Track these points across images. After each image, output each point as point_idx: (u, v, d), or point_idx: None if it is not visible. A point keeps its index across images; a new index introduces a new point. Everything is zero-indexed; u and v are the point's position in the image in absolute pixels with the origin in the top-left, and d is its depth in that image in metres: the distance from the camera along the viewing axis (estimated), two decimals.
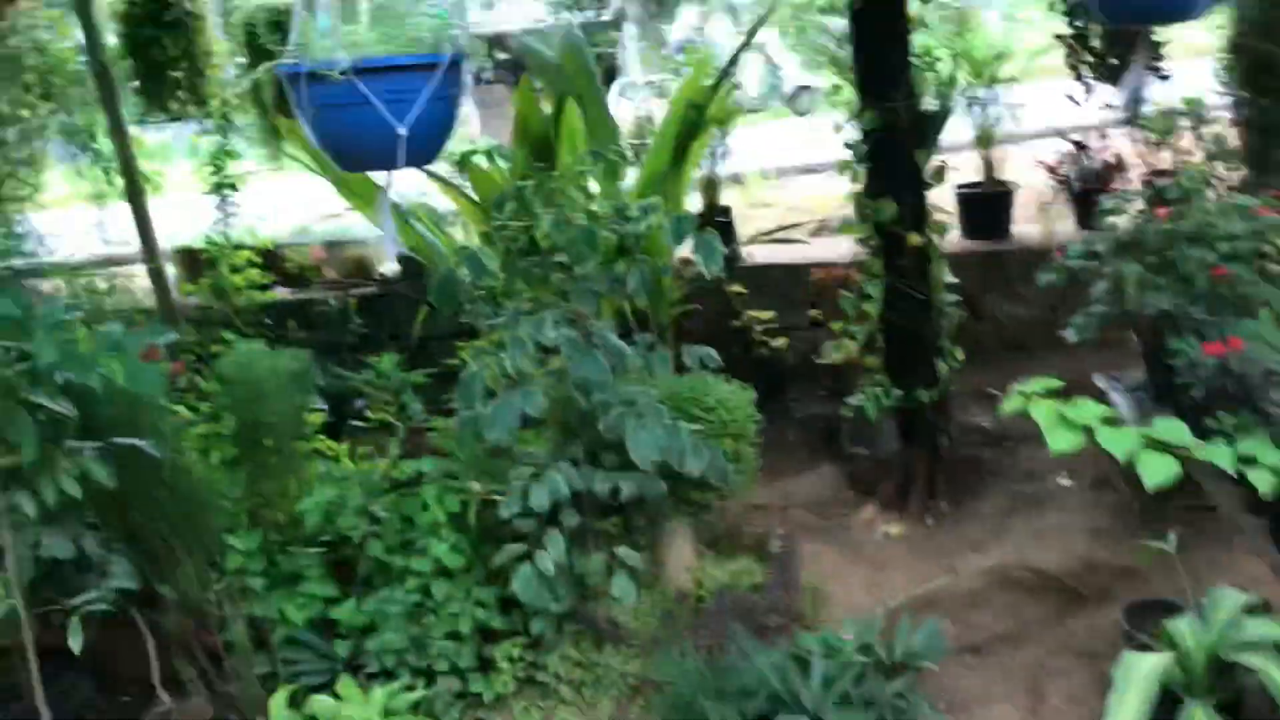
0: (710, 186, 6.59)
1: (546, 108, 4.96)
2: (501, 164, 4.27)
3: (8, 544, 3.02)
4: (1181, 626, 3.29)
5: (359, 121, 2.26)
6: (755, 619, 4.16)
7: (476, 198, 4.75)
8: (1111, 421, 2.03)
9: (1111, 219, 5.03)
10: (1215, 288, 4.53)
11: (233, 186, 6.33)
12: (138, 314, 6.12)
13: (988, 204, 6.71)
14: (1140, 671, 3.02)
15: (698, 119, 4.95)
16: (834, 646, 3.63)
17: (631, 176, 5.30)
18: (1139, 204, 5.00)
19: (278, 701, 3.57)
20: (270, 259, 6.90)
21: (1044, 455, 5.43)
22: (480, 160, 4.28)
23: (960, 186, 6.78)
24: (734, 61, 5.20)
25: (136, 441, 3.29)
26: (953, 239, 6.94)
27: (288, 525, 4.16)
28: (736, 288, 6.13)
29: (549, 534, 3.80)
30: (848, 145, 5.15)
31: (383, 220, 2.73)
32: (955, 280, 5.30)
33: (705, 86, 5.08)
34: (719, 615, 4.18)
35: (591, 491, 3.76)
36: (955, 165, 6.86)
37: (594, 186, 4.97)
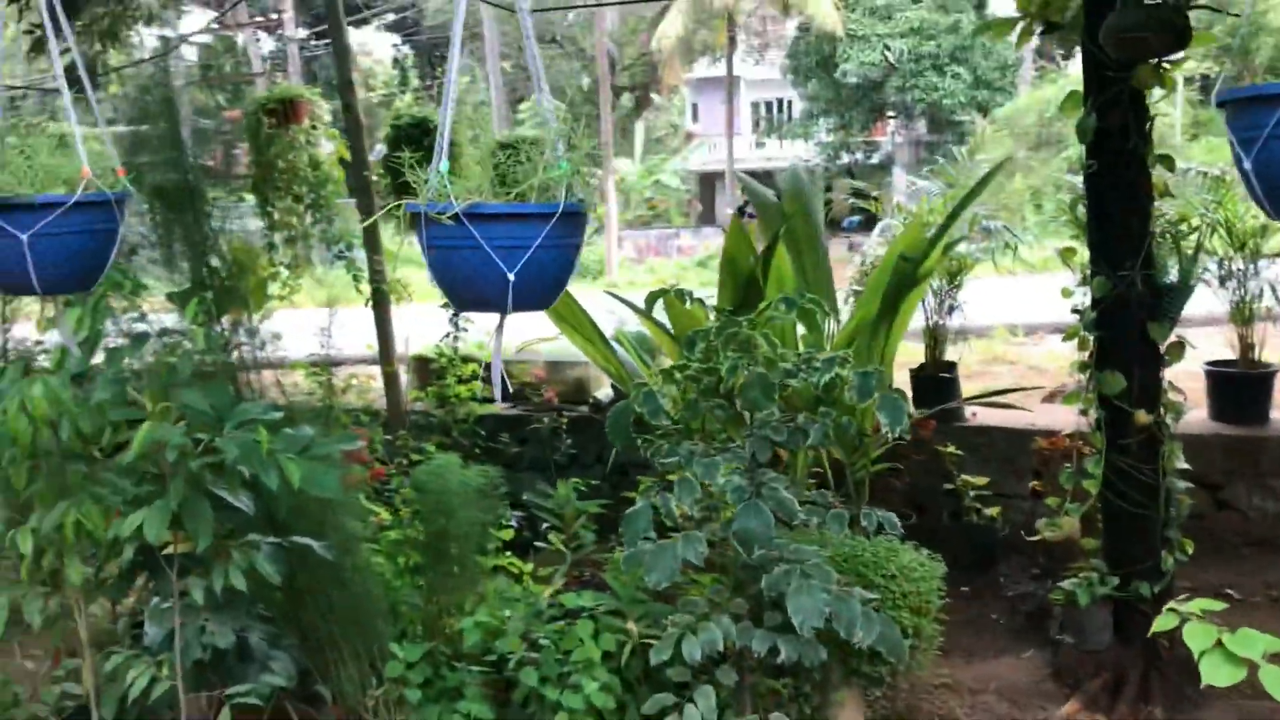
0: (933, 339, 6.38)
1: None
2: (696, 304, 4.27)
3: (177, 627, 3.18)
4: None
5: (470, 263, 2.31)
6: None
7: (674, 333, 4.77)
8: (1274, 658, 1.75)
9: None
10: None
11: None
12: (366, 414, 6.48)
13: (1241, 385, 6.16)
14: None
15: (911, 272, 4.81)
16: None
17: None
18: None
19: None
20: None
21: None
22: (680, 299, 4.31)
23: (1210, 364, 6.28)
24: (954, 216, 5.04)
25: (309, 541, 3.41)
26: (1198, 419, 6.44)
27: (456, 639, 4.19)
28: (951, 448, 5.85)
29: (700, 688, 3.66)
30: (1075, 311, 4.88)
31: (495, 359, 2.76)
32: (1188, 467, 4.85)
33: (922, 239, 4.95)
34: None
35: (749, 649, 3.59)
36: (1204, 341, 6.40)
37: (802, 331, 4.92)
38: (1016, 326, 11.52)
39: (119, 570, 3.20)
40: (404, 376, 7.51)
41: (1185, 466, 4.88)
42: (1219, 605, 1.92)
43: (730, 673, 3.71)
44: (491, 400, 6.89)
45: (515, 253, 2.24)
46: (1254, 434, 6.13)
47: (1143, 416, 4.67)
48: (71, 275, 3.16)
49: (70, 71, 3.82)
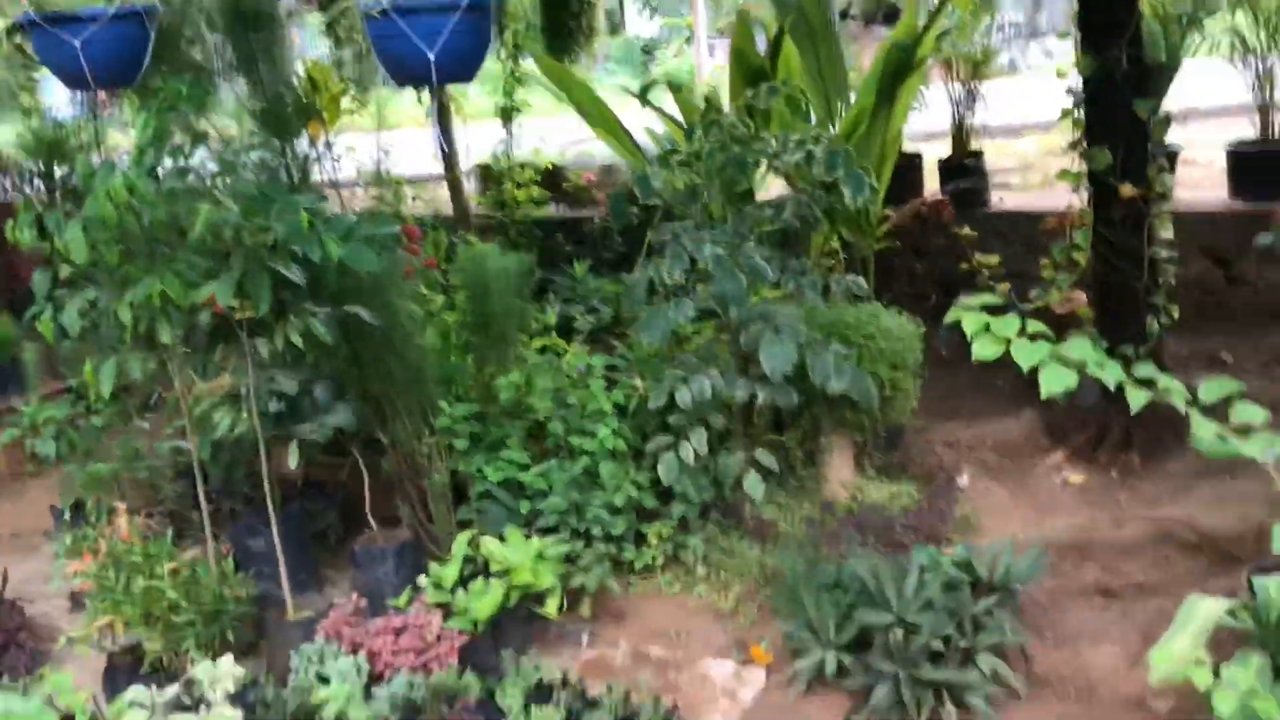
0: (959, 131, 6.66)
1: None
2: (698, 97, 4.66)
3: (250, 379, 3.89)
4: (1270, 585, 3.31)
5: (402, 48, 2.88)
6: (891, 535, 4.45)
7: (686, 125, 5.18)
8: (1030, 337, 2.21)
9: None
10: None
11: (517, 110, 7.11)
12: (432, 219, 7.09)
13: (1260, 162, 6.34)
14: (1199, 611, 3.11)
15: (905, 59, 5.11)
16: (937, 562, 3.88)
17: None
18: None
19: (460, 540, 4.28)
20: (550, 179, 7.69)
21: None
22: (672, 90, 4.72)
23: (1232, 144, 6.45)
24: (944, 3, 5.28)
25: (359, 310, 4.04)
26: (1217, 199, 6.66)
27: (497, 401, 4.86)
28: (967, 230, 6.21)
29: (695, 430, 4.28)
30: (1069, 92, 5.15)
31: (433, 125, 3.38)
32: (1170, 237, 5.17)
33: (914, 28, 5.22)
34: (856, 526, 4.50)
35: (733, 397, 4.18)
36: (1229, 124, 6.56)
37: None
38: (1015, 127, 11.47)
39: (203, 332, 3.90)
40: (470, 185, 8.08)
41: (1170, 237, 5.20)
42: (996, 300, 2.39)
43: (719, 417, 4.31)
44: (545, 203, 7.45)
45: (434, 37, 2.82)
46: (1268, 209, 6.34)
47: (1127, 189, 4.98)
48: (118, 71, 4.45)
49: None
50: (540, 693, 3.60)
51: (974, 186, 6.67)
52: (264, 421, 3.99)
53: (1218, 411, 3.47)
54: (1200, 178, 7.50)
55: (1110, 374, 2.23)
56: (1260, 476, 4.86)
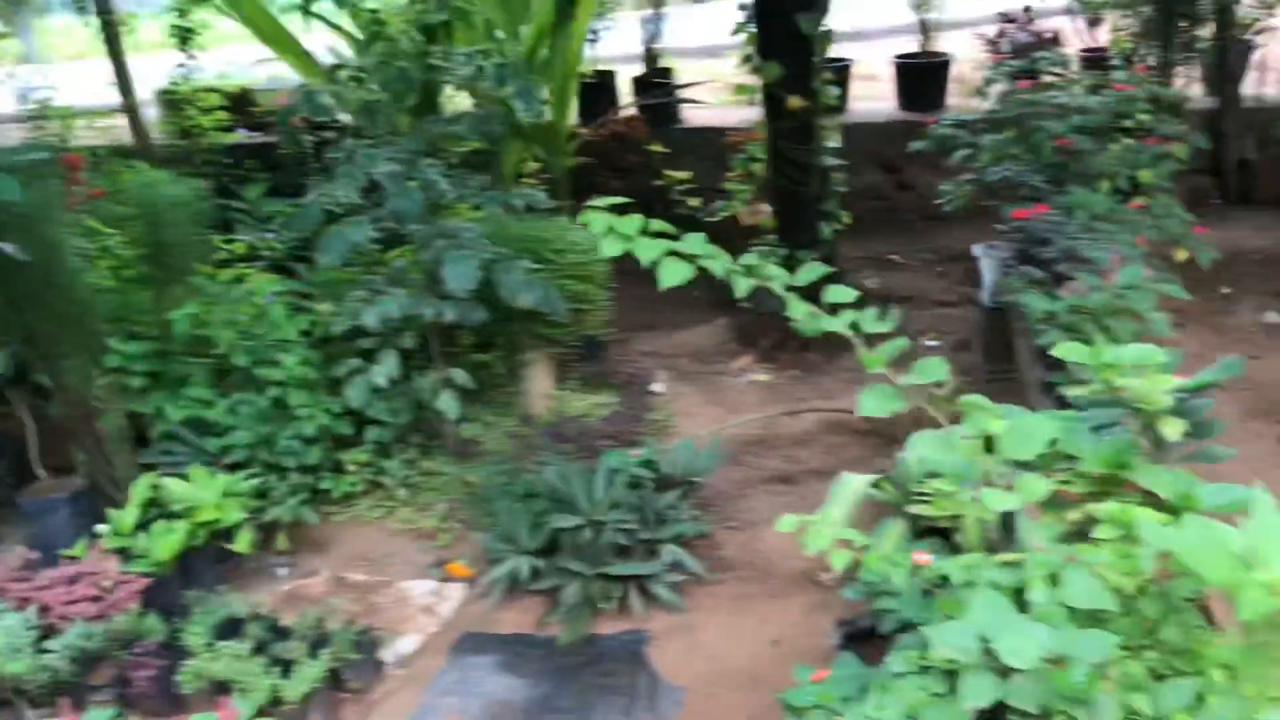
0: (650, 53, 6.80)
1: None
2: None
3: None
4: (909, 458, 3.64)
5: None
6: (589, 442, 4.58)
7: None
8: (650, 234, 2.35)
9: (991, 89, 5.20)
10: (1059, 159, 4.72)
11: (194, 33, 6.70)
12: (113, 150, 6.61)
13: (923, 74, 6.82)
14: (849, 487, 3.39)
15: None
16: (625, 462, 4.03)
17: None
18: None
19: (141, 483, 4.08)
20: (240, 104, 7.31)
21: (923, 318, 5.79)
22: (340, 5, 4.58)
23: (899, 56, 6.89)
24: None
25: (4, 246, 3.74)
26: (887, 110, 7.13)
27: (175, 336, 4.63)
28: (658, 147, 6.39)
29: (385, 353, 4.24)
30: (741, 7, 5.35)
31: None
32: (838, 145, 5.50)
33: None
34: (555, 437, 4.61)
35: (422, 317, 4.16)
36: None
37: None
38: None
39: None
40: (153, 114, 7.58)
41: (837, 145, 5.54)
42: (622, 200, 2.52)
43: (411, 337, 4.28)
44: (233, 129, 7.10)
45: None
46: (928, 119, 6.84)
47: (795, 101, 5.25)
48: None
49: None
50: (228, 627, 3.52)
51: (666, 103, 6.84)
52: None
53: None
54: (877, 92, 7.99)
55: (718, 265, 2.37)
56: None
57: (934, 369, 2.37)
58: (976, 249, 5.53)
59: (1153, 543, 1.90)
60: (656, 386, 5.22)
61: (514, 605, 3.83)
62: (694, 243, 2.38)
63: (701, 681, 3.42)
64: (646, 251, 2.33)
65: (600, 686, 3.39)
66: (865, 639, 3.05)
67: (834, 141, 5.53)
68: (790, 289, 3.40)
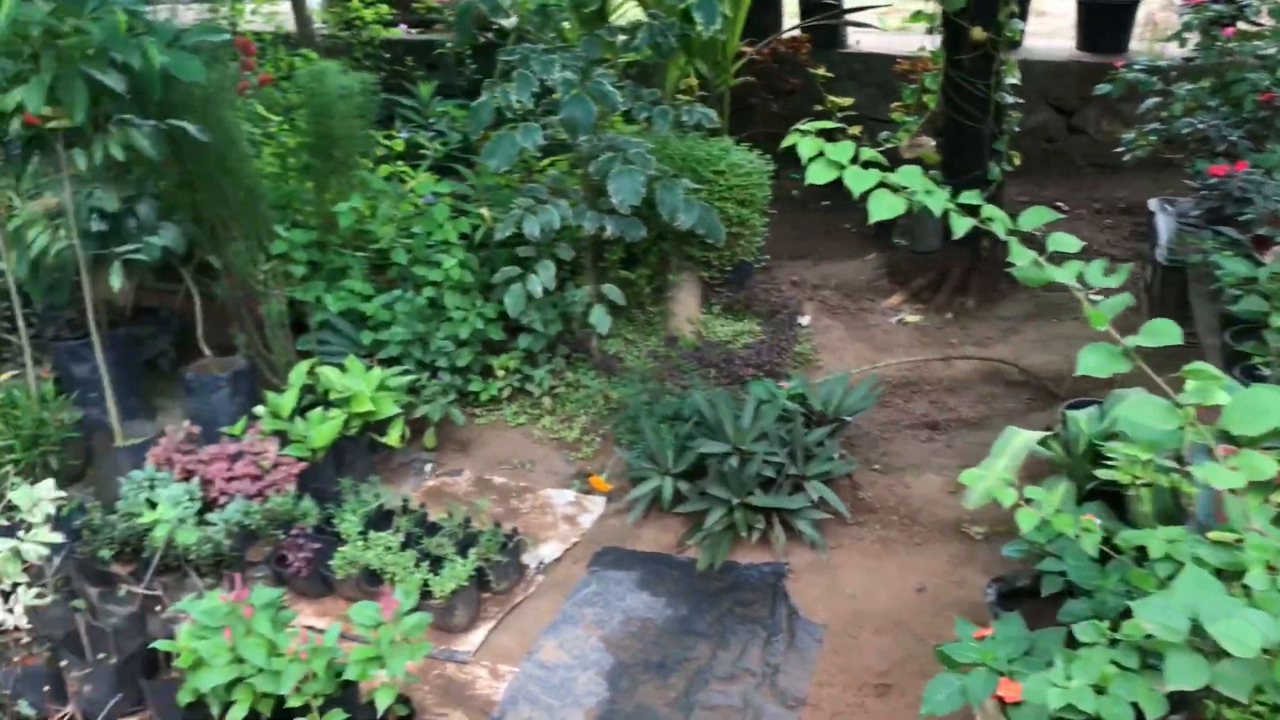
0: None
1: None
2: None
3: (67, 193, 3.65)
4: (1080, 416, 3.51)
5: None
6: (733, 369, 4.53)
7: None
8: (865, 165, 2.24)
9: (1187, 36, 4.88)
10: (1260, 113, 4.43)
11: None
12: (277, 36, 6.69)
13: (1107, 13, 6.45)
14: (1015, 441, 3.27)
15: None
16: (774, 394, 3.97)
17: None
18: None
19: (299, 369, 4.18)
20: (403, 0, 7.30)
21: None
22: None
23: None
24: None
25: (185, 124, 3.81)
26: (1065, 49, 6.78)
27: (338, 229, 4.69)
28: (822, 71, 6.19)
29: (543, 263, 4.22)
30: None
31: None
32: (1018, 82, 5.25)
33: None
34: (699, 361, 4.57)
35: (582, 229, 4.13)
36: None
37: None
38: None
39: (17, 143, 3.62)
40: (315, 3, 7.63)
41: (1016, 82, 5.29)
42: (833, 125, 2.41)
43: (568, 249, 4.26)
44: (394, 24, 7.10)
45: None
46: (1111, 61, 6.48)
47: (978, 33, 5.01)
48: None
49: None
50: (380, 518, 3.60)
51: (833, 25, 6.61)
52: (86, 241, 3.77)
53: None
54: (1053, 29, 7.61)
55: (936, 201, 2.27)
56: (1082, 319, 5.18)
57: (1165, 331, 2.22)
58: (1153, 203, 5.27)
59: None
60: (804, 319, 5.13)
61: (653, 524, 3.84)
62: (908, 175, 2.27)
63: (841, 621, 3.39)
64: (858, 181, 2.23)
65: (738, 615, 3.38)
66: (1022, 598, 2.97)
67: (1013, 78, 5.28)
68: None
